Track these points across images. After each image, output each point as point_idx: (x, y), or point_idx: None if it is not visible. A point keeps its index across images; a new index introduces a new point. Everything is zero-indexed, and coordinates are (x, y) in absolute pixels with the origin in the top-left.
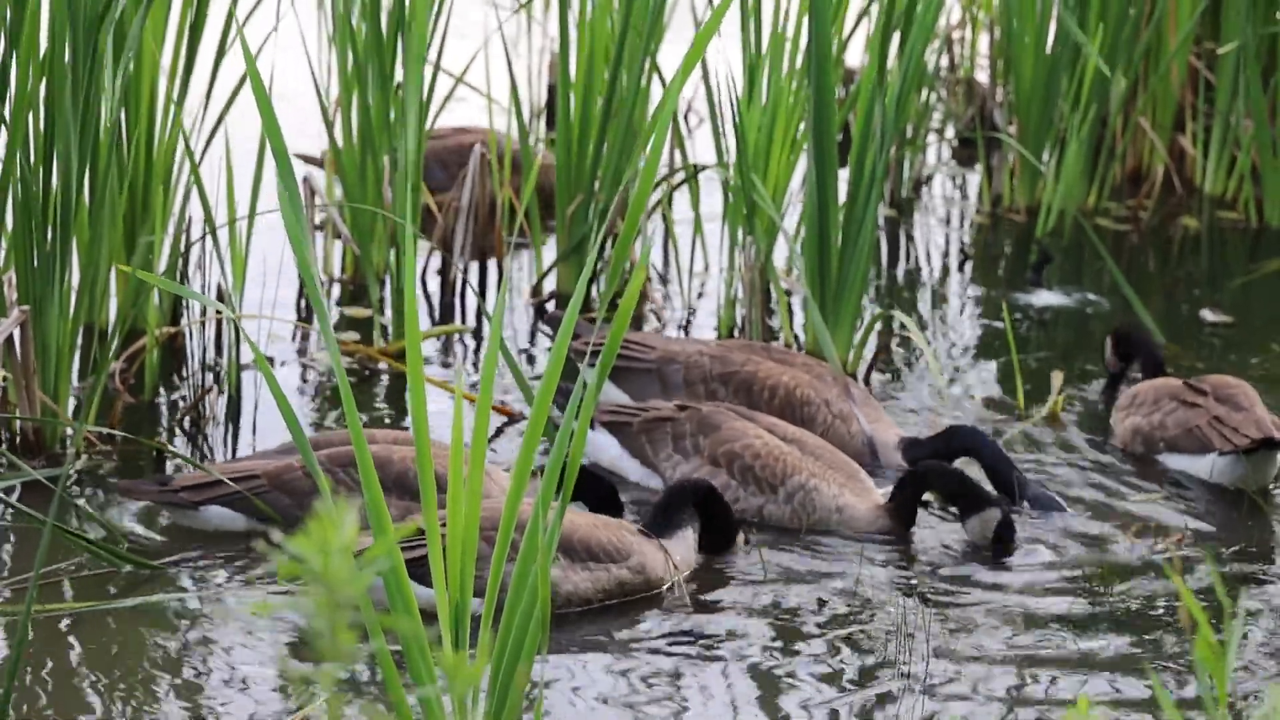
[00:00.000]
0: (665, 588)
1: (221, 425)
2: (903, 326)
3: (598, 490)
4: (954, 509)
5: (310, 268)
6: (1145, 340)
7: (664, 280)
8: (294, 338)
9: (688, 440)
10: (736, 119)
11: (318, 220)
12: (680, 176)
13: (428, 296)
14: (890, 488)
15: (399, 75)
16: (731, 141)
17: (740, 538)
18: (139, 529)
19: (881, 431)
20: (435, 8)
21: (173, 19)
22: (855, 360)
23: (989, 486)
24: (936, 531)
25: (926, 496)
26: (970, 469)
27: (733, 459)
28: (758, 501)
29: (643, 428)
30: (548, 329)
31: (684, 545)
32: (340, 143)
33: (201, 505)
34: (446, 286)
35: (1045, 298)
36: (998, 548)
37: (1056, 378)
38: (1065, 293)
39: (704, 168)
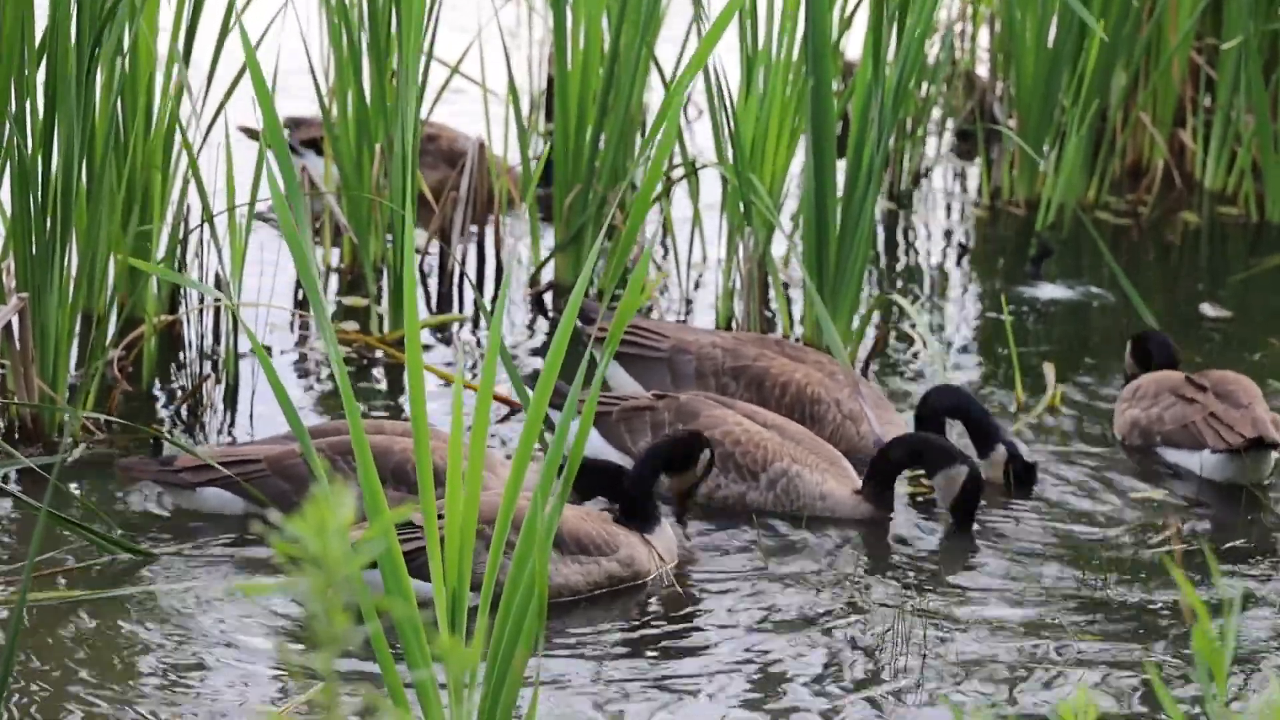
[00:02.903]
0: (652, 579)
1: (219, 413)
2: (901, 312)
3: (608, 477)
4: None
5: (309, 269)
6: (1163, 344)
7: (662, 271)
8: (293, 326)
9: (667, 429)
10: (732, 114)
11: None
12: (679, 172)
13: (425, 286)
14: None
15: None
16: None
17: (704, 456)
18: (135, 517)
19: (892, 432)
20: None
21: (171, 12)
22: (854, 351)
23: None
24: (931, 524)
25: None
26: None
27: (713, 446)
28: (739, 489)
29: (621, 417)
30: (549, 314)
31: (665, 536)
32: (337, 130)
33: (200, 487)
34: (444, 276)
35: (1044, 291)
36: (965, 509)
37: (1049, 371)
38: (1064, 286)
39: (702, 166)
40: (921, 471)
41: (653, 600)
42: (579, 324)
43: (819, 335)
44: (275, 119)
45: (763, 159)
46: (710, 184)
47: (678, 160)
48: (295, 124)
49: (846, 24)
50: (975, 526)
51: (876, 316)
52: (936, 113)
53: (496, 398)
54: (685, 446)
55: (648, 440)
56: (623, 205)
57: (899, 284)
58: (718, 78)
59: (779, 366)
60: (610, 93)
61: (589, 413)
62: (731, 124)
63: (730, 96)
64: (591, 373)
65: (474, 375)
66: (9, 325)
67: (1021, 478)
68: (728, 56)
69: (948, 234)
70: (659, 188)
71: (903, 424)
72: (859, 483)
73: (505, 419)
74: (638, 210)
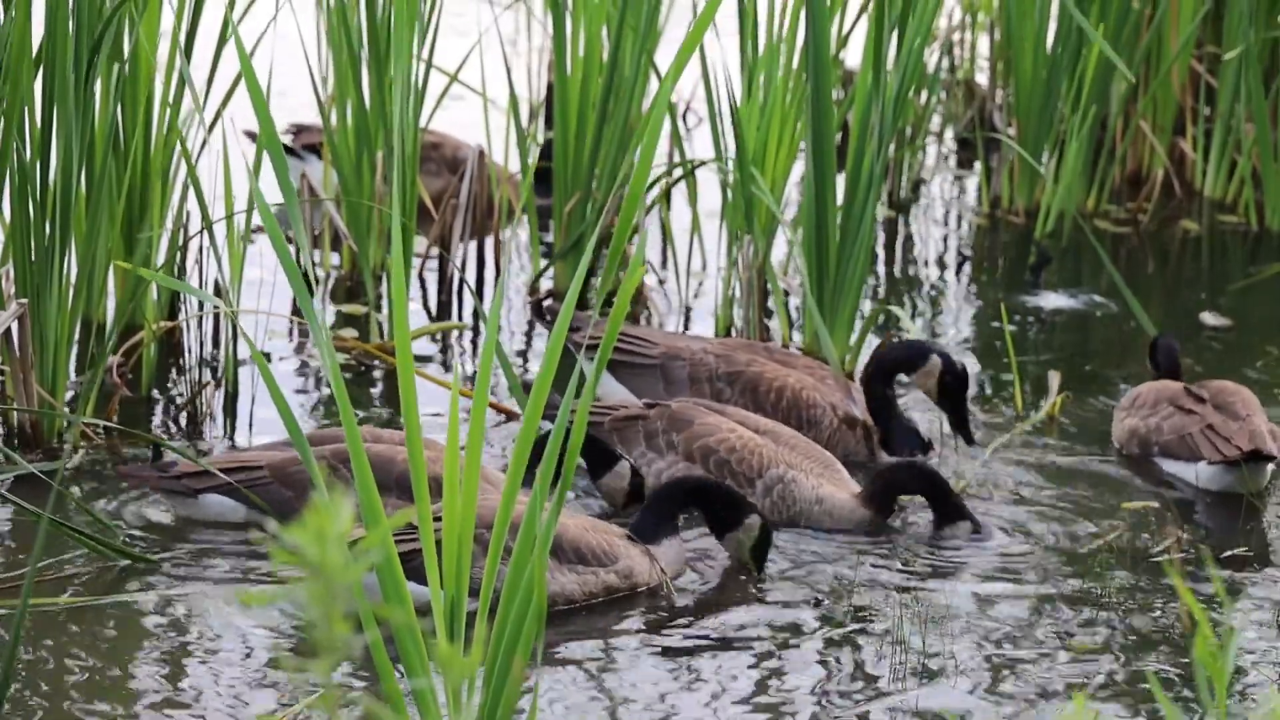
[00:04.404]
0: (653, 589)
1: (219, 420)
2: (898, 322)
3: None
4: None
5: (301, 283)
6: (1170, 350)
7: (660, 281)
8: (292, 332)
9: (660, 438)
10: (734, 117)
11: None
12: (678, 173)
13: (425, 294)
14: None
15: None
16: (730, 141)
17: (753, 519)
18: (135, 523)
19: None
20: (427, 3)
21: (170, 16)
22: (853, 360)
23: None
24: (928, 528)
25: None
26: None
27: (708, 454)
28: None
29: (614, 426)
30: (549, 323)
31: (672, 551)
32: (336, 137)
33: (201, 493)
34: (444, 284)
35: (1044, 299)
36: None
37: (1054, 379)
38: (1064, 294)
39: (702, 162)
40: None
41: (651, 607)
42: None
43: (819, 344)
44: (272, 128)
45: (762, 167)
46: (709, 191)
47: (677, 162)
48: (299, 129)
49: (844, 41)
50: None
51: (875, 323)
52: (936, 121)
53: (491, 405)
54: (731, 503)
55: (640, 449)
56: (619, 211)
57: (898, 292)
58: (717, 81)
59: (772, 371)
60: (610, 100)
61: (580, 423)
62: (732, 126)
63: (733, 97)
64: (581, 384)
65: (472, 383)
66: (9, 331)
67: (953, 388)
68: (730, 65)
69: (947, 242)
70: (657, 190)
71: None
72: (855, 487)
73: (500, 425)
74: (629, 205)
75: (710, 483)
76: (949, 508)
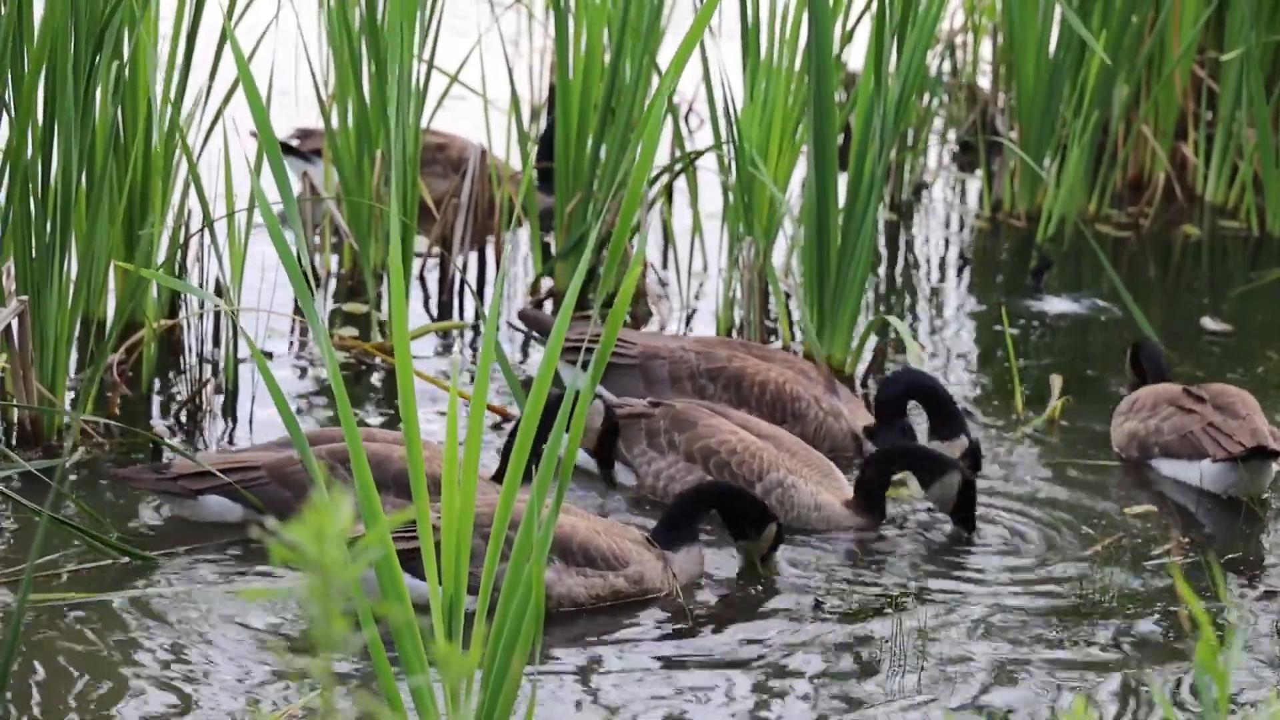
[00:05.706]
0: (663, 595)
1: (218, 418)
2: (894, 330)
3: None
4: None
5: (303, 284)
6: (1155, 355)
7: (662, 281)
8: (292, 331)
9: (662, 437)
10: (735, 118)
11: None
12: (679, 168)
13: (425, 293)
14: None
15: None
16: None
17: (771, 528)
18: (134, 520)
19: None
20: (428, 4)
21: (172, 16)
22: (854, 363)
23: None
24: (926, 535)
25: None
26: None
27: (709, 455)
28: None
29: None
30: (520, 325)
31: (688, 558)
32: (337, 136)
33: (200, 494)
34: (445, 283)
35: (1045, 304)
36: (965, 514)
37: (1056, 383)
38: (1065, 299)
39: (702, 152)
40: (899, 479)
41: (653, 610)
42: (536, 335)
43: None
44: (269, 129)
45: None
46: (711, 193)
47: (678, 157)
48: (305, 134)
49: (849, 37)
50: (976, 533)
51: (875, 328)
52: (938, 124)
53: (489, 407)
54: (753, 508)
55: (642, 447)
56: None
57: (899, 296)
58: (719, 81)
59: (753, 366)
60: (612, 102)
61: (579, 421)
62: (735, 129)
63: (732, 100)
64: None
65: (471, 383)
66: (9, 328)
67: (967, 501)
68: (731, 67)
69: (948, 246)
70: (659, 186)
71: (871, 419)
72: (851, 494)
73: (497, 426)
74: (631, 197)
75: (733, 489)
76: (932, 465)
